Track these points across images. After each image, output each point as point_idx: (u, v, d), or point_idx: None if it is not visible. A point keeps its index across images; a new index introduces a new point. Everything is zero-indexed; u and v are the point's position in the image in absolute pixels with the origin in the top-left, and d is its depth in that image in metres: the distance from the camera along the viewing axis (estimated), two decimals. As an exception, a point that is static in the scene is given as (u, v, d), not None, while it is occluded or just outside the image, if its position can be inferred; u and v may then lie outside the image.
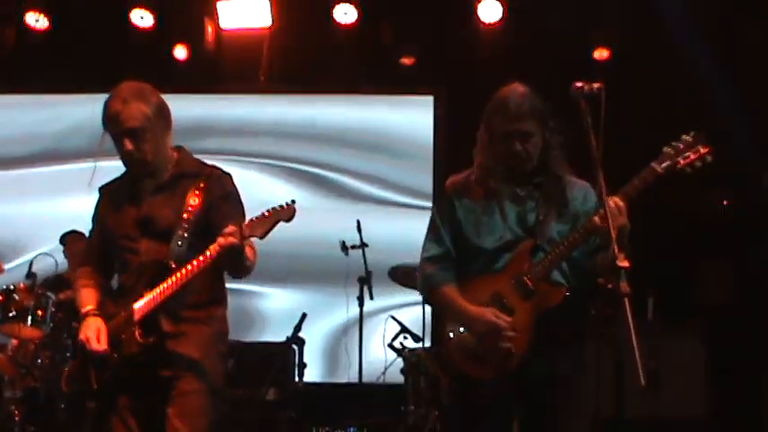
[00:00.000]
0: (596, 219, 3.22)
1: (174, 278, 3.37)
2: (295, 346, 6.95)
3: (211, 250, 3.27)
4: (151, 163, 3.55)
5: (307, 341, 7.07)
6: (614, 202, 3.19)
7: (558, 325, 3.33)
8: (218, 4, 8.16)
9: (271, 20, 8.25)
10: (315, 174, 8.85)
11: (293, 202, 3.36)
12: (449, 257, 3.60)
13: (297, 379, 6.93)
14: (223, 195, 3.57)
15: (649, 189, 3.30)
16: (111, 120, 3.47)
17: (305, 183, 8.81)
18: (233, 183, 3.67)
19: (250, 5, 8.12)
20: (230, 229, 3.23)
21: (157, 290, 3.40)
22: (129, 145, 3.47)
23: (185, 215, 3.46)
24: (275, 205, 3.35)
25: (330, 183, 8.84)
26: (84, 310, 3.59)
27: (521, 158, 3.47)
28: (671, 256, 7.48)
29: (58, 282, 7.12)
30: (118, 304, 3.54)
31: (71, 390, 3.66)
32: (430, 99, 8.92)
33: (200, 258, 3.30)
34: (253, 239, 3.38)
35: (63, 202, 8.54)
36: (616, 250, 2.93)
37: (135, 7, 8.17)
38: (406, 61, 8.46)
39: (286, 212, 3.32)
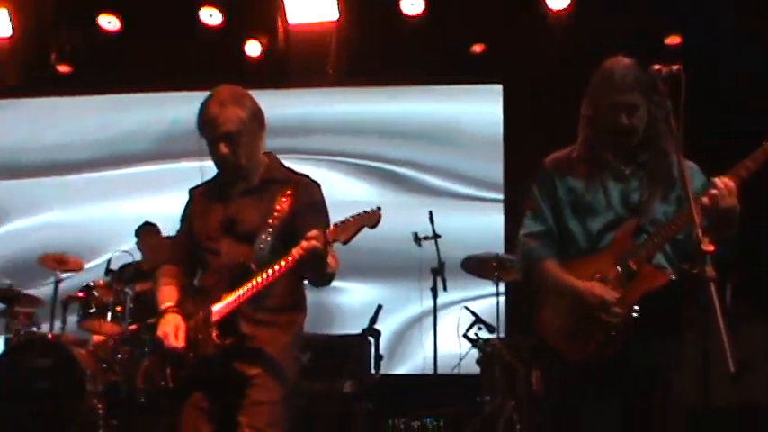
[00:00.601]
0: (705, 199, 3.10)
1: (254, 281, 3.32)
2: (371, 338, 6.94)
3: (293, 254, 3.21)
4: (244, 167, 3.53)
5: (382, 333, 7.06)
6: (724, 182, 3.11)
7: (659, 311, 3.22)
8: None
9: (338, 13, 8.27)
10: (387, 170, 8.84)
11: (378, 208, 3.24)
12: (550, 235, 3.52)
13: (373, 371, 6.93)
14: (310, 203, 3.52)
15: (762, 169, 3.18)
16: (207, 124, 3.47)
17: (376, 179, 8.80)
18: (320, 192, 3.62)
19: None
20: (313, 233, 3.17)
21: (237, 292, 3.35)
22: (224, 149, 3.46)
23: (271, 220, 3.42)
24: (360, 211, 3.26)
25: (402, 178, 8.81)
26: (163, 307, 3.57)
27: (626, 132, 3.36)
28: (749, 239, 7.29)
29: (135, 273, 7.28)
30: (197, 304, 3.51)
31: (147, 386, 3.65)
32: (499, 88, 8.85)
33: (282, 262, 3.24)
34: (335, 248, 3.33)
35: (138, 203, 8.75)
36: (701, 234, 2.83)
37: (204, 6, 8.24)
38: (477, 48, 8.41)
39: (371, 218, 3.22)
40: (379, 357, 6.89)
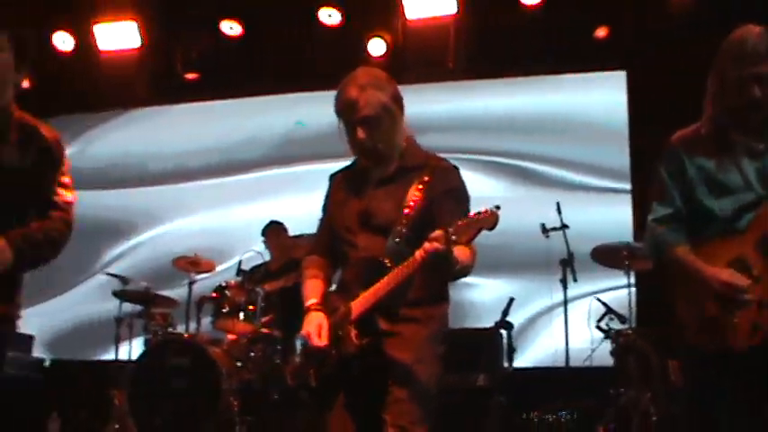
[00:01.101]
0: None
1: (387, 279, 3.19)
2: (503, 331, 6.87)
3: (417, 256, 3.06)
4: (381, 153, 3.42)
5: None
6: None
7: None
8: (402, -5, 8.22)
9: (456, 6, 8.24)
10: (512, 165, 8.74)
11: (498, 207, 3.04)
12: (679, 218, 3.37)
13: (506, 364, 6.85)
14: (447, 191, 3.32)
15: None
16: (345, 107, 3.36)
17: (502, 174, 8.71)
18: (459, 177, 3.44)
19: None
20: (436, 234, 2.99)
21: (372, 290, 3.24)
22: (361, 133, 3.34)
23: (406, 210, 3.27)
24: (479, 209, 3.07)
25: (527, 172, 8.69)
26: (306, 304, 3.51)
27: (759, 105, 3.18)
28: None
29: (264, 273, 7.38)
30: (340, 297, 3.43)
31: (296, 383, 3.54)
32: (622, 75, 8.65)
33: (410, 261, 3.10)
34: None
35: (269, 206, 8.86)
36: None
37: (323, 6, 8.32)
38: (601, 33, 8.22)
39: (489, 220, 3.01)
40: (511, 350, 6.81)
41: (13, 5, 6.59)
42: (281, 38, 8.66)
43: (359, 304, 3.28)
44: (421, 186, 3.29)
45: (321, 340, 3.33)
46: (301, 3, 8.38)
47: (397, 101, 3.41)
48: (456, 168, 3.46)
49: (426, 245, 3.00)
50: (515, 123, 8.79)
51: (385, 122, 3.35)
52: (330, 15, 8.40)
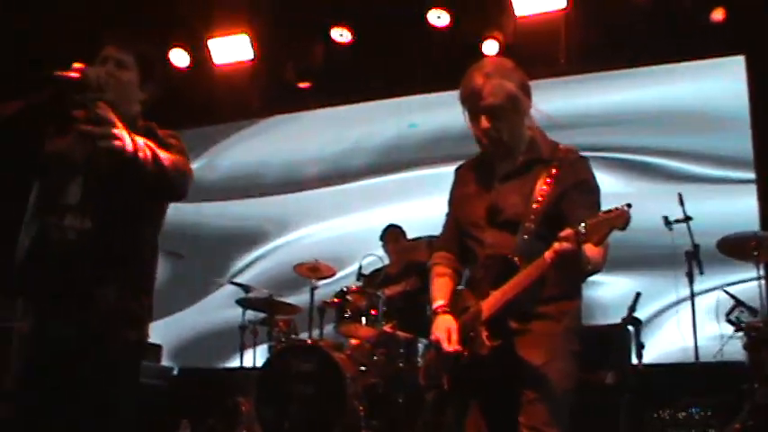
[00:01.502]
0: None
1: (518, 279, 3.10)
2: (631, 327, 6.72)
3: (546, 257, 2.97)
4: (506, 144, 3.32)
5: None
6: None
7: None
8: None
9: (565, 1, 8.14)
10: (631, 160, 8.56)
11: (629, 206, 2.90)
12: None
13: (635, 361, 6.70)
14: (576, 183, 3.22)
15: None
16: (470, 95, 3.27)
17: (622, 169, 8.55)
18: (588, 169, 3.33)
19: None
20: (566, 233, 2.90)
21: (502, 291, 3.14)
22: (485, 122, 3.26)
23: (534, 205, 3.18)
24: (610, 207, 2.94)
25: (647, 166, 8.50)
26: (434, 307, 3.42)
27: None
28: None
29: (384, 277, 7.41)
30: (470, 295, 3.33)
31: (428, 383, 3.46)
32: (741, 59, 8.38)
33: (539, 262, 3.01)
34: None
35: (384, 211, 8.91)
36: None
37: (431, 8, 8.32)
38: (717, 16, 8.00)
39: (620, 219, 2.88)
40: (640, 347, 6.65)
41: (134, 25, 6.84)
42: (390, 42, 8.70)
43: (489, 305, 3.19)
44: (549, 179, 3.21)
45: (452, 345, 3.25)
46: (410, 6, 8.39)
47: (525, 90, 3.31)
48: (585, 159, 3.35)
49: (556, 245, 2.92)
50: (631, 116, 8.62)
51: (510, 112, 3.26)
52: (439, 17, 8.41)
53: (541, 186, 3.20)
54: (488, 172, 3.42)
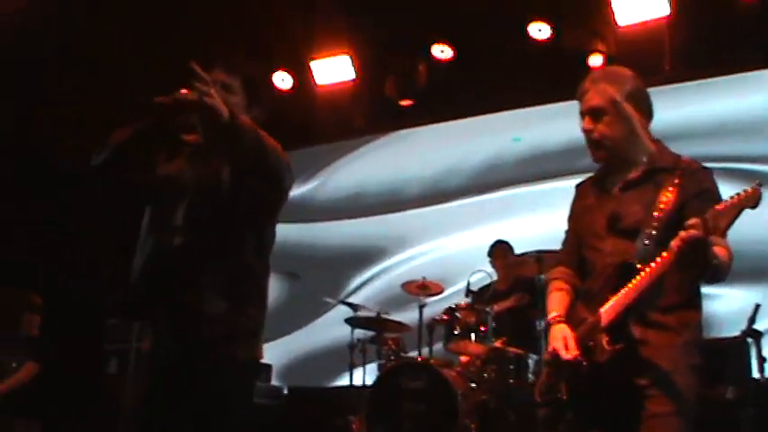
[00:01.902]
0: None
1: (639, 279, 3.09)
2: (751, 340, 6.54)
3: (672, 246, 2.95)
4: (610, 149, 3.38)
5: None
6: None
7: None
8: (613, 1, 8.06)
9: (668, 8, 8.01)
10: (741, 169, 8.31)
11: (759, 184, 2.92)
12: None
13: (756, 375, 6.51)
14: (698, 193, 3.22)
15: None
16: (579, 98, 3.42)
17: (732, 179, 8.29)
18: (711, 179, 3.33)
19: (646, -3, 7.97)
20: (693, 221, 2.89)
21: (622, 294, 3.14)
22: (586, 123, 3.37)
23: (656, 213, 3.18)
24: (738, 191, 2.95)
25: (758, 175, 8.26)
26: (549, 318, 3.44)
27: None
28: None
29: (492, 293, 7.36)
30: (587, 309, 3.32)
31: (544, 400, 3.43)
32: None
33: (663, 255, 3.01)
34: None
35: (491, 228, 8.84)
36: None
37: (532, 21, 8.29)
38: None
39: (751, 198, 2.90)
40: (761, 360, 6.46)
41: (239, 49, 6.98)
42: (492, 57, 8.71)
43: (609, 310, 3.17)
44: (672, 188, 3.21)
45: (569, 352, 3.24)
46: (510, 19, 8.36)
47: (634, 98, 3.35)
48: (708, 170, 3.35)
49: (682, 233, 2.90)
50: (741, 124, 8.37)
51: (611, 115, 3.32)
52: (540, 30, 8.36)
53: (664, 195, 3.20)
54: (607, 184, 3.46)
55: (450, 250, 9.30)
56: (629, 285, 3.11)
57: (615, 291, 3.16)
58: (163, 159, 3.47)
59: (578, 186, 3.64)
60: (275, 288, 9.33)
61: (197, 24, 7.97)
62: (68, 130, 8.31)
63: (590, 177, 3.61)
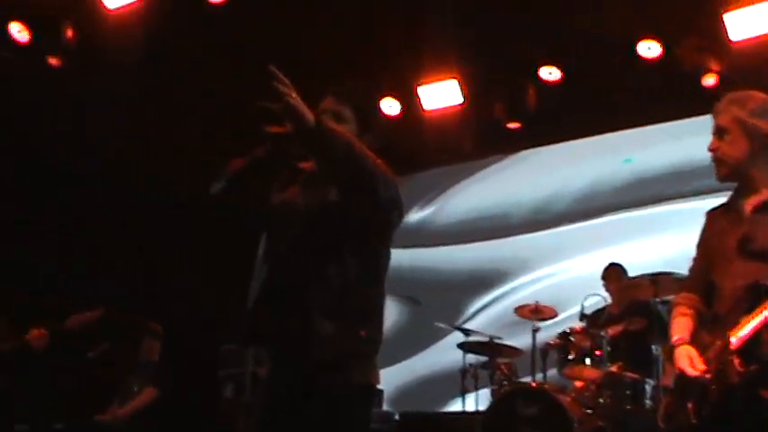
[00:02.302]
0: None
1: None
2: None
3: None
4: (732, 167, 3.47)
5: None
6: None
7: None
8: (726, 16, 7.90)
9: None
10: None
11: None
12: None
13: None
14: None
15: None
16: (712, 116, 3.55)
17: None
18: None
19: (761, 11, 7.77)
20: None
21: (754, 314, 3.14)
22: (713, 143, 3.50)
23: None
24: None
25: None
26: (673, 341, 3.45)
27: None
28: None
29: (607, 317, 7.27)
30: (713, 333, 3.34)
31: (668, 427, 3.41)
32: None
33: None
34: None
35: (605, 252, 8.70)
36: None
37: (641, 39, 8.19)
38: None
39: None
40: None
41: (349, 77, 7.08)
42: (601, 77, 8.63)
43: (740, 332, 3.15)
44: None
45: (695, 369, 3.25)
46: (619, 38, 8.25)
47: (759, 117, 3.41)
48: None
49: None
50: None
51: (734, 135, 3.40)
52: (649, 48, 8.23)
53: None
54: (739, 206, 3.47)
55: (563, 274, 9.25)
56: (761, 307, 3.10)
57: (747, 313, 3.15)
58: (278, 187, 3.50)
59: (709, 212, 3.65)
60: (395, 313, 9.61)
61: (306, 54, 8.09)
62: (185, 159, 8.52)
63: (722, 204, 3.62)
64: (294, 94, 2.98)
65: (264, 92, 2.95)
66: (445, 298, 9.74)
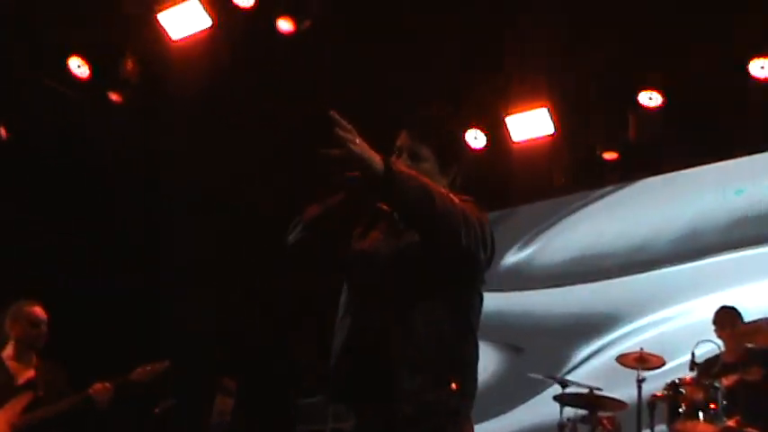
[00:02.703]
0: None
1: None
2: None
3: None
4: None
5: None
6: None
7: None
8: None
9: None
10: None
11: None
12: None
13: None
14: None
15: None
16: None
17: None
18: None
19: None
20: None
21: None
22: None
23: None
24: None
25: None
26: None
27: None
28: None
29: (720, 367, 6.86)
30: None
31: None
32: None
33: None
34: None
35: (712, 297, 8.28)
36: None
37: (753, 58, 7.75)
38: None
39: None
40: None
41: (426, 111, 6.80)
42: (707, 100, 8.21)
43: None
44: None
45: None
46: (727, 58, 7.86)
47: None
48: None
49: None
50: None
51: None
52: (763, 67, 7.77)
53: None
54: None
55: (672, 320, 8.75)
56: None
57: None
58: (358, 234, 3.45)
59: None
60: (495, 362, 9.36)
61: (381, 84, 8.02)
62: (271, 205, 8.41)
63: None
64: (358, 140, 2.90)
65: (330, 137, 2.90)
66: (548, 345, 9.34)
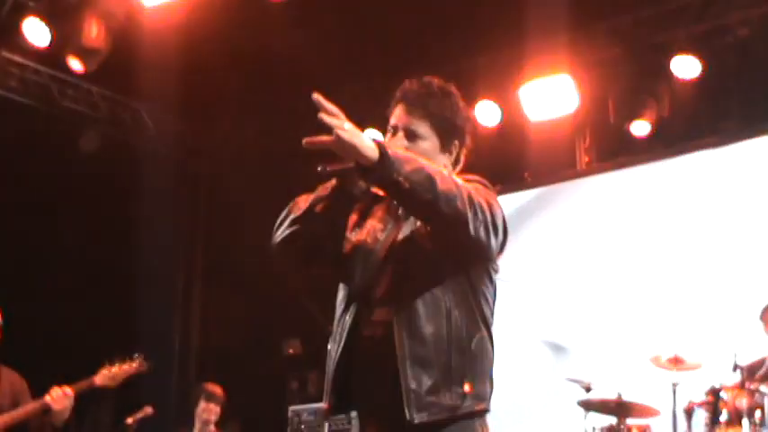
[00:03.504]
0: None
1: None
2: None
3: None
4: None
5: None
6: None
7: None
8: None
9: None
10: None
11: None
12: None
13: None
14: None
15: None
16: None
17: None
18: None
19: None
20: None
21: None
22: None
23: None
24: None
25: None
26: None
27: None
28: None
29: (765, 369, 6.95)
30: None
31: None
32: None
33: None
34: None
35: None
36: None
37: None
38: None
39: None
40: None
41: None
42: (750, 70, 7.98)
43: None
44: None
45: None
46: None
47: None
48: None
49: None
50: None
51: None
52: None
53: None
54: None
55: (709, 316, 8.39)
56: None
57: None
58: (354, 223, 3.40)
59: None
60: (534, 361, 9.16)
61: (380, 46, 7.97)
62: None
63: None
64: (347, 125, 2.85)
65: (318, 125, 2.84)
66: (588, 341, 9.03)
